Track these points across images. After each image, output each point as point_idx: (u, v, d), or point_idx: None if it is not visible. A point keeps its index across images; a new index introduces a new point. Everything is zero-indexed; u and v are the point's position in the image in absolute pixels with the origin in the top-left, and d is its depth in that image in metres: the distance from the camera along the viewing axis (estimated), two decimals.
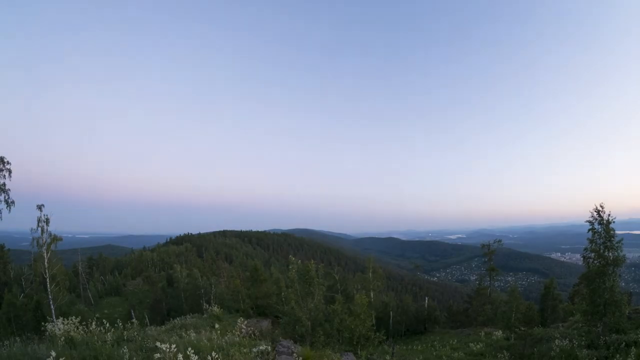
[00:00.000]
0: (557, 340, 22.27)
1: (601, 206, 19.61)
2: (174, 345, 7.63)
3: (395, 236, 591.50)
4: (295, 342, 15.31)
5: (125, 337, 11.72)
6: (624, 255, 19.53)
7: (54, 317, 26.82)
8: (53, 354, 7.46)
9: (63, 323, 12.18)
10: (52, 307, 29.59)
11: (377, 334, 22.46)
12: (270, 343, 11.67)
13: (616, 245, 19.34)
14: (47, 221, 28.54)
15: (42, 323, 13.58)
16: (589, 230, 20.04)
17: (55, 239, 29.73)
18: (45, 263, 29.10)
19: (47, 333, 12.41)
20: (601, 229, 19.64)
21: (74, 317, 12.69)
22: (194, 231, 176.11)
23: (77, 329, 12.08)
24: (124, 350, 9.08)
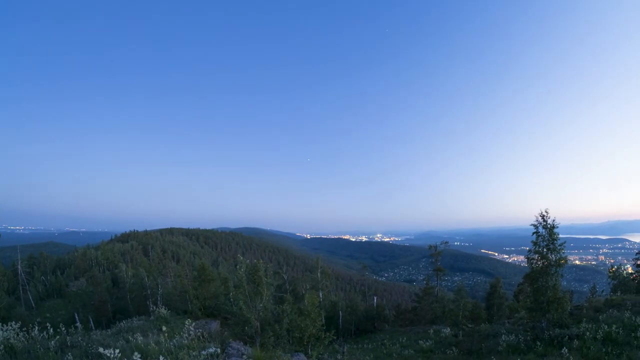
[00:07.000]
0: (503, 335, 23.78)
1: (546, 211, 20.84)
2: (117, 350, 7.58)
3: (344, 237, 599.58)
4: (245, 344, 15.47)
5: (69, 343, 11.34)
6: (565, 257, 20.88)
7: None
8: None
9: (2, 329, 11.61)
10: None
11: (327, 333, 22.58)
12: (219, 345, 11.71)
13: (558, 247, 20.71)
14: None
15: None
16: (533, 233, 21.08)
17: None
18: None
19: None
20: (545, 233, 20.88)
21: (13, 322, 11.84)
22: (140, 228, 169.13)
23: (18, 335, 11.45)
24: (68, 358, 8.95)
